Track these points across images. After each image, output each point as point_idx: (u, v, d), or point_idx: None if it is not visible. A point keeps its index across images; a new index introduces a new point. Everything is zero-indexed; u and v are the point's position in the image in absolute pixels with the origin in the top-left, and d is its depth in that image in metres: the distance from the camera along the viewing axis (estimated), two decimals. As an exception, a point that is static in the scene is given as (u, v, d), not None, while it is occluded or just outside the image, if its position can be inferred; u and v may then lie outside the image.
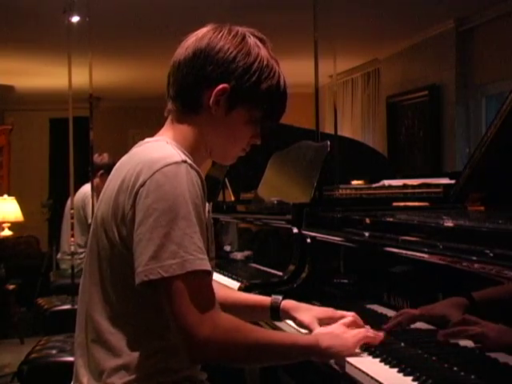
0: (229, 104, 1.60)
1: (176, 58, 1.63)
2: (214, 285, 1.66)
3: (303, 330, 1.84)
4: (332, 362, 1.68)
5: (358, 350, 1.68)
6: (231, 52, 1.58)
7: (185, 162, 1.49)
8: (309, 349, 1.59)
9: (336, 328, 1.71)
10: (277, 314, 1.87)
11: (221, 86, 1.58)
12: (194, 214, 1.46)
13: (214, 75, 1.58)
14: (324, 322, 1.79)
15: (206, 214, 1.58)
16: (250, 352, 1.53)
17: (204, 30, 1.64)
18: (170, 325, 1.46)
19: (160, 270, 1.42)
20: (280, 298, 1.88)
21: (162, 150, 1.53)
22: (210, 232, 1.63)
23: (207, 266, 1.46)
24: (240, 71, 1.59)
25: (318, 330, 1.74)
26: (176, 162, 1.48)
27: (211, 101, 1.59)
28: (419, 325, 1.73)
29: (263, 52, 1.62)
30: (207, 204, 1.60)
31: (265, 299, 1.90)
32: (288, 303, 1.87)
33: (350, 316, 1.78)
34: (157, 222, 1.44)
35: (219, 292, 1.85)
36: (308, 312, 1.82)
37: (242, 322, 1.53)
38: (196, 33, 1.65)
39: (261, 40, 1.64)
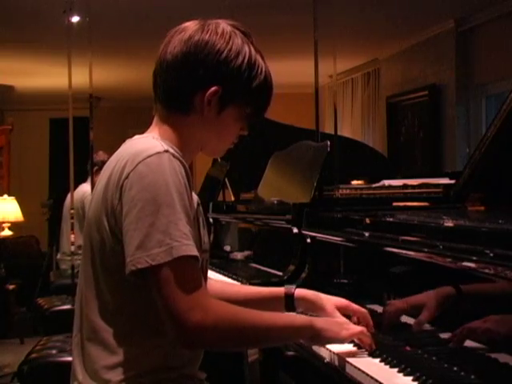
0: (220, 104, 1.60)
1: (163, 58, 1.61)
2: (220, 282, 1.66)
3: None
4: (330, 360, 1.68)
5: (351, 347, 1.69)
6: (221, 53, 1.58)
7: (167, 151, 1.49)
8: (303, 329, 1.60)
9: (336, 319, 1.71)
10: (292, 303, 1.83)
11: (213, 89, 1.58)
12: (177, 201, 1.46)
13: (205, 78, 1.58)
14: (341, 311, 1.77)
15: (195, 205, 1.59)
16: (244, 335, 1.53)
17: (188, 27, 1.61)
18: (161, 313, 1.46)
19: (147, 259, 1.43)
20: (293, 287, 1.86)
21: (145, 143, 1.55)
22: (201, 223, 1.63)
23: (194, 252, 1.46)
24: (231, 72, 1.59)
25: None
26: (158, 153, 1.49)
27: (203, 103, 1.59)
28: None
29: (250, 49, 1.62)
30: (194, 195, 1.61)
31: (278, 290, 1.87)
32: (303, 291, 1.84)
33: (363, 312, 1.78)
34: (141, 213, 1.45)
35: (229, 289, 1.86)
36: (328, 300, 1.79)
37: (234, 306, 1.54)
38: (180, 28, 1.62)
39: (245, 34, 1.64)
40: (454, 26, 6.00)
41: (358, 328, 1.67)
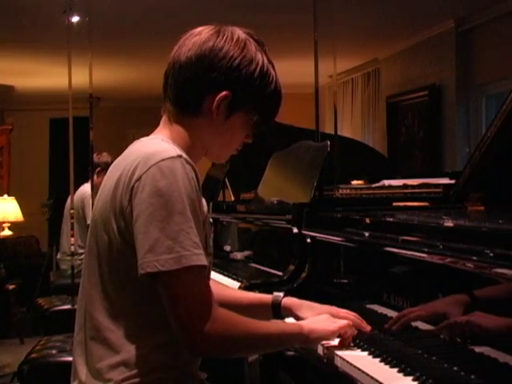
0: (229, 109, 1.63)
1: (176, 59, 1.63)
2: (214, 284, 1.67)
3: None
4: (330, 360, 1.69)
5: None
6: (235, 59, 1.60)
7: (180, 156, 1.50)
8: (294, 335, 1.66)
9: (321, 317, 1.75)
10: (278, 311, 1.88)
11: (223, 93, 1.60)
12: (189, 209, 1.47)
13: (217, 82, 1.60)
14: None
15: (204, 210, 1.59)
16: (246, 344, 1.58)
17: (204, 31, 1.63)
18: (169, 320, 1.48)
19: (156, 264, 1.44)
20: (281, 295, 1.89)
21: (157, 145, 1.55)
22: (207, 228, 1.64)
23: (203, 261, 1.48)
24: (243, 79, 1.61)
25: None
26: (171, 157, 1.49)
27: (213, 106, 1.61)
28: (419, 324, 1.73)
29: (263, 58, 1.64)
30: (203, 200, 1.61)
31: (266, 297, 1.91)
32: (290, 300, 1.88)
33: (351, 316, 1.80)
34: (152, 217, 1.45)
35: (219, 291, 1.86)
36: (310, 310, 1.84)
37: (236, 314, 1.56)
38: (194, 32, 1.64)
39: (259, 43, 1.66)
40: (453, 26, 6.00)
41: (344, 321, 1.72)
